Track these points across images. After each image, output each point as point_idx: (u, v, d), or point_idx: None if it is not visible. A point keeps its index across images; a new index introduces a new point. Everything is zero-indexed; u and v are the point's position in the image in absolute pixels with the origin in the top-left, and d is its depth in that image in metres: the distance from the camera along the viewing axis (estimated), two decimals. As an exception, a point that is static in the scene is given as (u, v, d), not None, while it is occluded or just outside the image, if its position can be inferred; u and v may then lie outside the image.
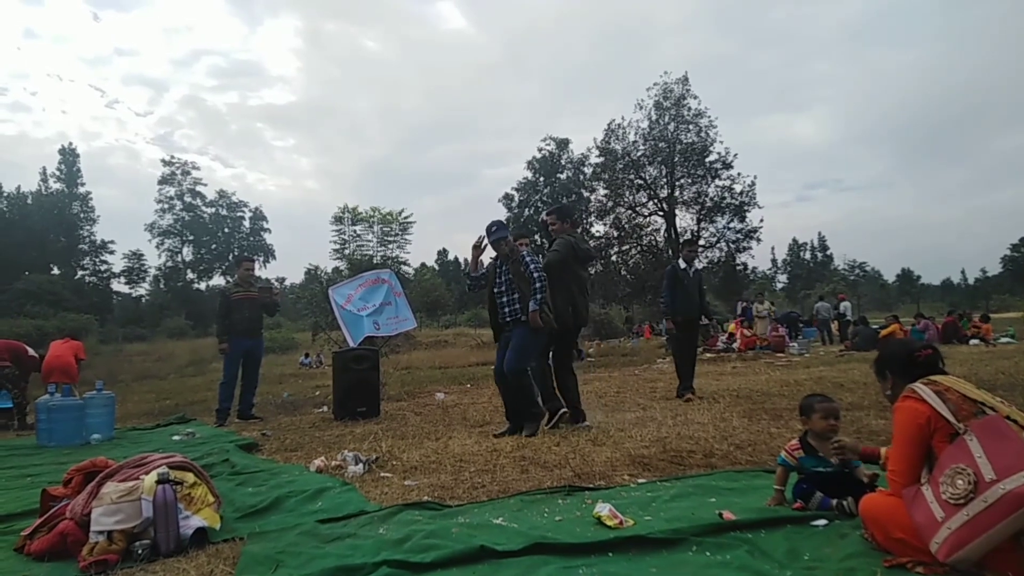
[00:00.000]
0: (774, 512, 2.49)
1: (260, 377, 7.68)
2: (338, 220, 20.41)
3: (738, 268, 26.32)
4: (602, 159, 26.26)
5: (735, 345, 14.35)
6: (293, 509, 2.96)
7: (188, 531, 2.46)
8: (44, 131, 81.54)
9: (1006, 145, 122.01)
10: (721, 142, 24.60)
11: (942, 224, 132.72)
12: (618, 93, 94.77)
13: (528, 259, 4.83)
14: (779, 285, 70.70)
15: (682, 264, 6.93)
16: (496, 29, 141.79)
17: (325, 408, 7.54)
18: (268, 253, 52.75)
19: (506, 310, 4.92)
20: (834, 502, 2.44)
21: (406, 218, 20.38)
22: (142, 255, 48.84)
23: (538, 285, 4.72)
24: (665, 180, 24.86)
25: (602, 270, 25.28)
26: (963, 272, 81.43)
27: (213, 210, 51.67)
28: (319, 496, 3.11)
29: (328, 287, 9.43)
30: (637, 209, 25.38)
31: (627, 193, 25.18)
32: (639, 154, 24.83)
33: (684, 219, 25.05)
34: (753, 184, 24.52)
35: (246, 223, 53.47)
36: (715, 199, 24.57)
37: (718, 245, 25.12)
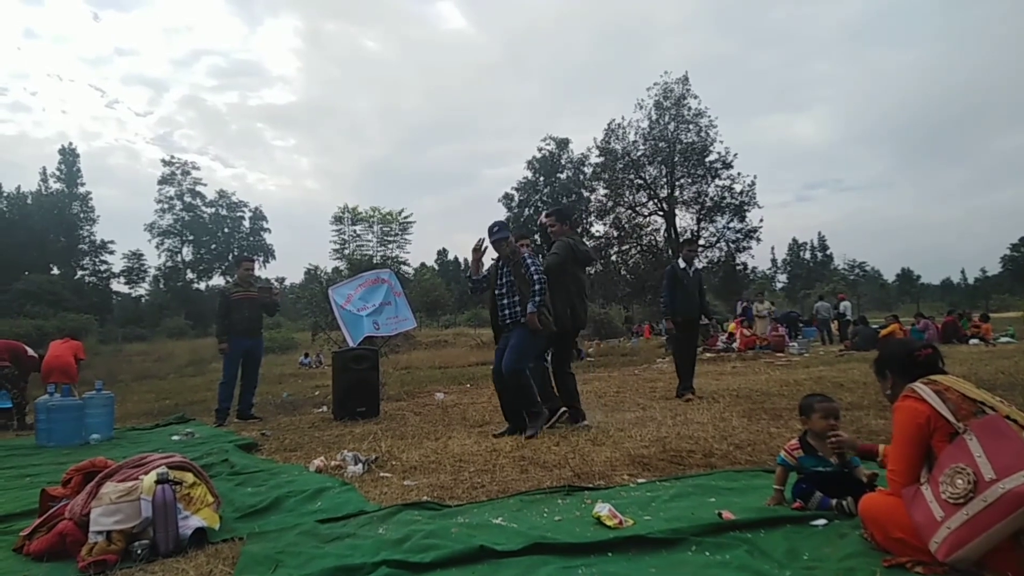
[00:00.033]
0: (773, 512, 2.49)
1: (260, 377, 7.67)
2: (338, 220, 20.44)
3: (738, 268, 26.35)
4: (602, 159, 26.28)
5: (735, 345, 14.35)
6: (292, 509, 2.96)
7: (187, 531, 2.46)
8: (44, 131, 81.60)
9: (1006, 145, 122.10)
10: (721, 142, 24.64)
11: (942, 224, 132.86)
12: (618, 93, 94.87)
13: (529, 260, 4.81)
14: (779, 285, 70.78)
15: (682, 264, 6.92)
16: (496, 29, 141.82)
17: (324, 408, 7.54)
18: (268, 253, 52.83)
19: (506, 312, 4.92)
20: (833, 502, 2.44)
21: (406, 218, 20.41)
22: (142, 255, 48.98)
23: (537, 287, 4.70)
24: (665, 180, 24.88)
25: (602, 270, 25.30)
26: (963, 272, 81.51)
27: (213, 210, 51.70)
28: (318, 496, 3.11)
29: (328, 287, 9.43)
30: (637, 209, 25.40)
31: (627, 193, 25.19)
32: (639, 154, 24.85)
33: (684, 219, 25.09)
34: (753, 184, 24.56)
35: (246, 223, 53.54)
36: (715, 199, 24.59)
37: (718, 245, 25.15)
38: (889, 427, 2.12)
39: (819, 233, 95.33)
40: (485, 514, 2.68)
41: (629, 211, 25.35)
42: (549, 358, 5.39)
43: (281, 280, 51.36)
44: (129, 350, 27.67)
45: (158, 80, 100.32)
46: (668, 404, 6.15)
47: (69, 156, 47.88)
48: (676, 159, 24.44)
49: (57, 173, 47.35)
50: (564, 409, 5.08)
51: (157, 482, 2.43)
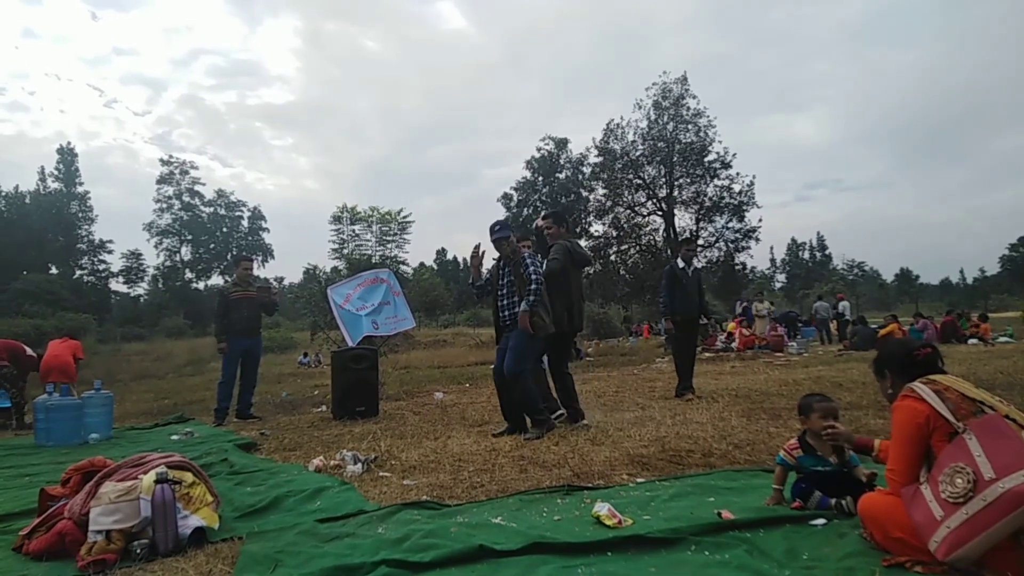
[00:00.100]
0: (773, 511, 2.49)
1: (259, 376, 7.67)
2: (337, 219, 20.39)
3: (737, 268, 26.39)
4: (601, 159, 26.31)
5: (734, 344, 14.36)
6: (292, 508, 2.96)
7: (187, 531, 2.46)
8: (42, 130, 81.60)
9: (1006, 145, 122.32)
10: (720, 142, 24.71)
11: (941, 224, 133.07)
12: (618, 93, 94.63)
13: (528, 261, 4.78)
14: (778, 285, 70.88)
15: (680, 264, 6.92)
16: (496, 29, 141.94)
17: (324, 407, 7.53)
18: (266, 252, 52.79)
19: (506, 312, 4.91)
20: (833, 501, 2.44)
21: (405, 218, 20.36)
22: (140, 254, 49.00)
23: (533, 287, 4.67)
24: (664, 180, 24.91)
25: (601, 270, 25.32)
26: (962, 272, 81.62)
27: (211, 209, 51.68)
28: (318, 495, 3.10)
29: (327, 286, 9.40)
30: (636, 209, 25.42)
31: (626, 193, 25.22)
32: (638, 154, 24.87)
33: (683, 219, 25.12)
34: (752, 184, 24.60)
35: (244, 222, 53.54)
36: (714, 199, 24.62)
37: (717, 245, 25.18)
38: (888, 427, 2.12)
39: (818, 233, 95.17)
40: (484, 513, 2.68)
41: (628, 211, 25.38)
42: (546, 359, 5.39)
43: (280, 280, 51.38)
44: (128, 350, 27.62)
45: (157, 80, 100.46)
46: (667, 404, 6.15)
47: (67, 155, 47.84)
48: (675, 159, 24.47)
49: (55, 172, 47.32)
50: (562, 411, 5.08)
51: (156, 481, 2.43)
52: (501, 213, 44.17)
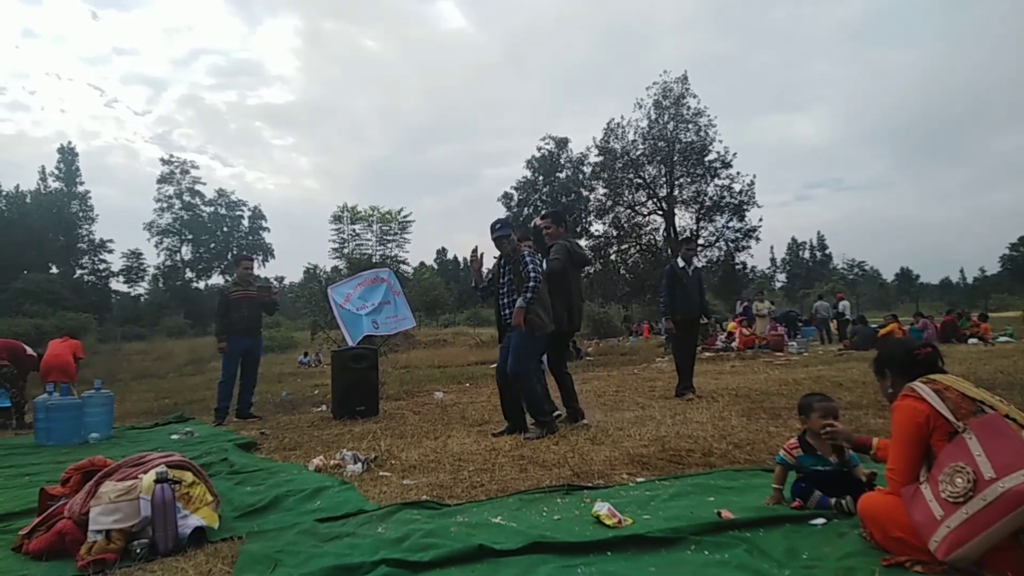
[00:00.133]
0: (773, 511, 2.49)
1: (259, 376, 7.67)
2: (337, 219, 20.43)
3: (737, 267, 26.39)
4: (601, 158, 26.31)
5: (734, 344, 14.36)
6: (292, 508, 2.96)
7: (186, 530, 2.46)
8: (43, 130, 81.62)
9: (1006, 145, 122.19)
10: (720, 141, 24.73)
11: (942, 224, 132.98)
12: (618, 93, 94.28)
13: (528, 259, 4.78)
14: (778, 284, 70.86)
15: (680, 263, 6.92)
16: (496, 29, 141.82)
17: (324, 407, 7.53)
18: (267, 252, 52.79)
19: (507, 311, 4.90)
20: (833, 501, 2.44)
21: (405, 217, 20.37)
22: (141, 254, 49.00)
23: (531, 284, 4.66)
24: (664, 179, 24.93)
25: (601, 269, 25.32)
26: (962, 271, 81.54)
27: (212, 209, 51.66)
28: (318, 495, 3.10)
29: (327, 286, 9.40)
30: (636, 208, 25.43)
31: (626, 192, 25.23)
32: (638, 153, 24.89)
33: (683, 218, 25.15)
34: (752, 183, 24.61)
35: (245, 222, 53.52)
36: (714, 198, 24.64)
37: (717, 244, 25.18)
38: (888, 426, 2.12)
39: (818, 232, 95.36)
40: (484, 513, 2.68)
41: (628, 210, 25.39)
42: (545, 359, 5.38)
43: (280, 279, 51.45)
44: (128, 349, 27.64)
45: (157, 79, 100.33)
46: (667, 403, 6.15)
47: (68, 155, 47.82)
48: (675, 158, 24.48)
49: (56, 172, 47.31)
50: (558, 412, 5.07)
51: (156, 481, 2.43)
52: (501, 212, 44.17)
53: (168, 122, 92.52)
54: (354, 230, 20.20)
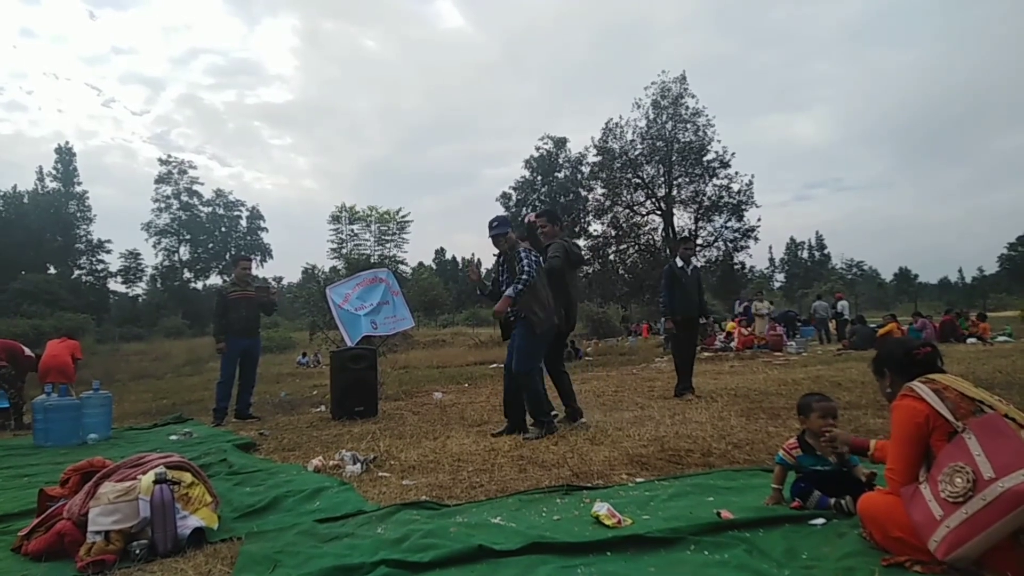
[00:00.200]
0: (772, 511, 2.49)
1: (257, 376, 7.66)
2: (335, 219, 20.39)
3: (736, 267, 26.40)
4: (600, 158, 26.31)
5: (732, 344, 14.38)
6: (291, 509, 2.95)
7: (186, 531, 2.45)
8: (40, 130, 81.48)
9: (1006, 145, 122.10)
10: (719, 141, 24.72)
11: (941, 224, 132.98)
12: (617, 93, 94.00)
13: (524, 255, 4.77)
14: (776, 284, 70.95)
15: (679, 263, 6.92)
16: (495, 28, 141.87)
17: (323, 407, 7.53)
18: (265, 252, 52.72)
19: (507, 310, 4.89)
20: (832, 501, 2.44)
21: (403, 217, 20.36)
22: (139, 254, 48.95)
23: (524, 277, 4.65)
24: (663, 179, 24.93)
25: (600, 269, 25.32)
26: (960, 271, 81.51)
27: (210, 209, 51.60)
28: (317, 496, 3.10)
29: (325, 286, 9.40)
30: (635, 208, 25.44)
31: (625, 192, 25.24)
32: (637, 153, 24.90)
33: (682, 218, 25.16)
34: (751, 183, 24.62)
35: (243, 222, 53.44)
36: (713, 198, 24.65)
37: (716, 244, 25.20)
38: (887, 426, 2.12)
39: (817, 232, 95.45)
40: (484, 513, 2.68)
41: (627, 210, 25.39)
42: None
43: (278, 279, 51.29)
44: (126, 349, 27.59)
45: (155, 79, 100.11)
46: (666, 403, 6.15)
47: (65, 155, 47.75)
48: (674, 158, 24.49)
49: (53, 172, 47.25)
50: (555, 412, 5.07)
51: (155, 482, 2.43)
52: (500, 212, 44.19)
53: (166, 122, 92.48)
54: (352, 230, 20.17)
